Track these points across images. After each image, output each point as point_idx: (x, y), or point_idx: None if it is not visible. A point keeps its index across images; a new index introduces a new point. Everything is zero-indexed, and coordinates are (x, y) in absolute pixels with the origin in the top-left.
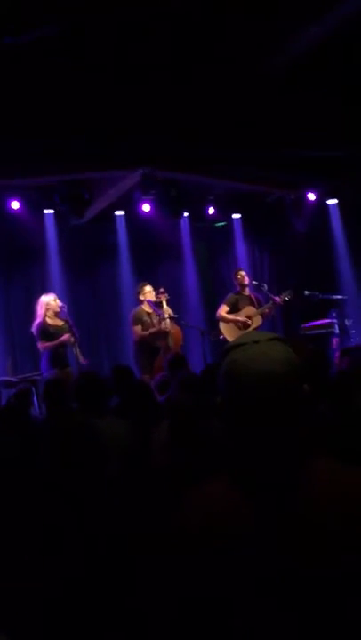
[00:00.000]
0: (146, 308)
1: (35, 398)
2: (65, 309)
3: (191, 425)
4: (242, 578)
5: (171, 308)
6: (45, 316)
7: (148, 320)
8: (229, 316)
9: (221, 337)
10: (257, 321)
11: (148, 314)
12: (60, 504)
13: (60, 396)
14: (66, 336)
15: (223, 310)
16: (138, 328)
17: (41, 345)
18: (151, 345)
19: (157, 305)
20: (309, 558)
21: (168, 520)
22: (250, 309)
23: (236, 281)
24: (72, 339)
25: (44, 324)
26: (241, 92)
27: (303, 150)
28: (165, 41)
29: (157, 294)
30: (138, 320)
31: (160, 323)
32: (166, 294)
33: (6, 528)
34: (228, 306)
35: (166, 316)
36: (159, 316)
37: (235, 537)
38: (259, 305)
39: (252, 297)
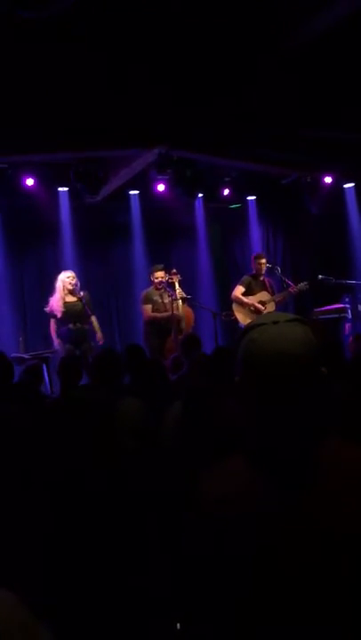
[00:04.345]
0: (156, 289)
1: (45, 375)
2: (78, 286)
3: (204, 404)
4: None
5: (183, 288)
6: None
7: (159, 300)
8: (245, 299)
9: (233, 318)
10: (270, 307)
11: (160, 294)
12: (72, 480)
13: (74, 372)
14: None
15: (238, 291)
16: (148, 307)
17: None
18: (161, 326)
19: (170, 286)
20: (322, 535)
21: (181, 496)
22: (264, 295)
23: (255, 265)
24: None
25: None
26: (258, 71)
27: (320, 132)
28: (181, 19)
29: (170, 275)
30: (148, 300)
31: (172, 303)
32: (178, 275)
33: (16, 503)
34: (243, 287)
35: (178, 297)
36: (171, 296)
37: (250, 514)
38: (272, 291)
39: (266, 282)
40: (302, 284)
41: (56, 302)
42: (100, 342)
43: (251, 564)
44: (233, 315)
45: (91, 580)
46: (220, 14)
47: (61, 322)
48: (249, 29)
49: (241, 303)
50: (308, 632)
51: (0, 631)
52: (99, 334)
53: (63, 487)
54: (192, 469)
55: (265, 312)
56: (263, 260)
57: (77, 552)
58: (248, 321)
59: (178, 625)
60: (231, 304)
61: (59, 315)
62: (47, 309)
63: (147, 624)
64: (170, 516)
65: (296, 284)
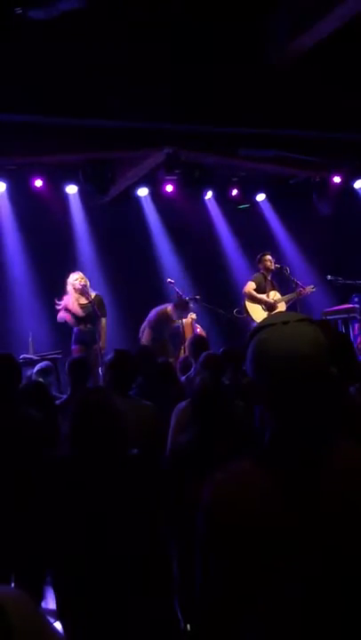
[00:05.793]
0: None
1: (53, 377)
2: (87, 286)
3: (212, 404)
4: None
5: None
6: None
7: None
8: (259, 295)
9: (245, 315)
10: (282, 307)
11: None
12: (80, 481)
13: (84, 373)
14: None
15: (251, 287)
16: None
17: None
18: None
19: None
20: (332, 534)
21: (190, 497)
22: (275, 294)
23: (262, 264)
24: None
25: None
26: (266, 72)
27: (329, 131)
28: (189, 20)
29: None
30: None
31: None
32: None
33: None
34: (255, 283)
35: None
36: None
37: (261, 513)
38: (280, 291)
39: (273, 283)
40: (310, 287)
41: (72, 304)
42: (102, 349)
43: (258, 566)
44: (245, 311)
45: (95, 583)
46: (226, 13)
47: (73, 323)
48: (255, 29)
49: (254, 298)
50: (313, 633)
51: (19, 631)
52: (102, 341)
53: (67, 490)
54: (200, 470)
55: (277, 310)
56: (268, 257)
57: (79, 554)
58: (262, 316)
59: (188, 626)
60: (242, 300)
61: (80, 314)
62: (60, 307)
63: (152, 626)
64: (177, 517)
65: (305, 286)
